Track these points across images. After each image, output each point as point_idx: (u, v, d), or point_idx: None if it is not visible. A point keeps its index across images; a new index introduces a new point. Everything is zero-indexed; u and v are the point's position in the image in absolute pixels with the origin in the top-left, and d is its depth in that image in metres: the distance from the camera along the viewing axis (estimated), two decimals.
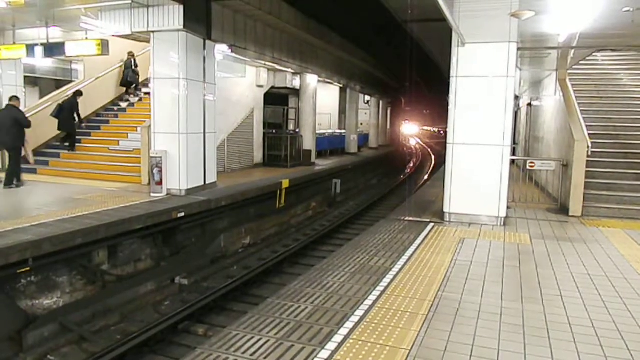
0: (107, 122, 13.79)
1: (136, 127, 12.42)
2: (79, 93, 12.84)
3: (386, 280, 5.17)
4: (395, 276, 5.32)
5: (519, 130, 17.65)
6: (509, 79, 7.77)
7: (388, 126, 33.69)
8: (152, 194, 9.55)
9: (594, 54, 12.03)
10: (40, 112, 12.78)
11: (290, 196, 12.94)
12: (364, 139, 26.93)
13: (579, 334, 3.97)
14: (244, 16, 11.49)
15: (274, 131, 17.56)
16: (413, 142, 46.06)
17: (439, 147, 42.18)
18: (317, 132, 18.58)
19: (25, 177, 11.35)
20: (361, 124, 26.43)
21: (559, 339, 3.87)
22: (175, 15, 9.29)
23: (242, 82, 14.78)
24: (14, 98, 10.30)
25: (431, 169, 29.83)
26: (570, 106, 9.74)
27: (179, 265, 8.65)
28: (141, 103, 14.45)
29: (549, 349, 3.69)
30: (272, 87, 17.07)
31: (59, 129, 12.45)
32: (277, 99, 19.79)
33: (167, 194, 9.68)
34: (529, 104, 16.09)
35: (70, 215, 7.49)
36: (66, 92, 13.65)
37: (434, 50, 13.55)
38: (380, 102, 29.27)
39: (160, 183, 9.64)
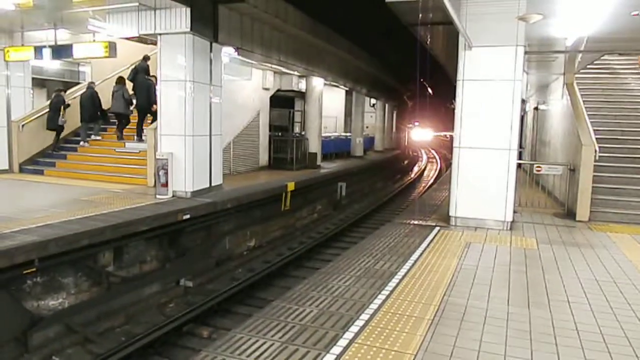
0: (114, 123, 13.82)
1: (143, 129, 12.45)
2: (147, 57, 13.07)
3: (392, 284, 5.14)
4: (400, 280, 5.29)
5: (525, 134, 17.58)
6: (516, 82, 7.74)
7: (394, 129, 33.65)
8: (157, 196, 9.56)
9: (601, 58, 11.96)
10: (45, 114, 12.85)
11: (295, 199, 12.93)
12: (369, 142, 26.90)
13: (587, 340, 3.93)
14: (250, 19, 11.51)
15: (279, 134, 17.57)
16: (420, 150, 45.47)
17: (444, 150, 42.08)
18: (323, 135, 18.56)
19: (31, 178, 11.45)
20: (367, 127, 26.39)
21: (566, 345, 3.83)
22: (182, 18, 9.31)
23: (248, 84, 14.79)
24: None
25: (437, 172, 29.79)
26: (578, 110, 9.69)
27: (184, 267, 8.65)
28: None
29: (556, 355, 3.65)
30: (278, 90, 17.07)
31: (133, 90, 12.63)
32: (283, 102, 19.80)
33: (173, 196, 9.69)
34: (536, 108, 16.03)
35: (76, 217, 7.50)
36: (74, 93, 13.70)
37: (442, 53, 13.51)
38: (386, 106, 29.25)
39: (165, 185, 9.65)
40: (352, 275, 5.45)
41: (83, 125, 13.05)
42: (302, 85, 17.70)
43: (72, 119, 13.08)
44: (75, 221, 7.22)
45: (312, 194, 14.49)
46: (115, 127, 13.03)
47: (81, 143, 13.01)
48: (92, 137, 13.15)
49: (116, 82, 12.66)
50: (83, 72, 17.45)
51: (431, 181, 24.59)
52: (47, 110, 12.78)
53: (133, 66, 13.04)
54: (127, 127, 12.89)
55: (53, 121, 12.65)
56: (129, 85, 12.69)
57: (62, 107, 12.66)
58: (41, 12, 9.87)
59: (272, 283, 8.61)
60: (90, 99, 12.84)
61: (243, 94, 14.55)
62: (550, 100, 13.59)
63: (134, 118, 12.75)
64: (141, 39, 11.86)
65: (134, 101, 12.52)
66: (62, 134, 13.18)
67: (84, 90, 13.13)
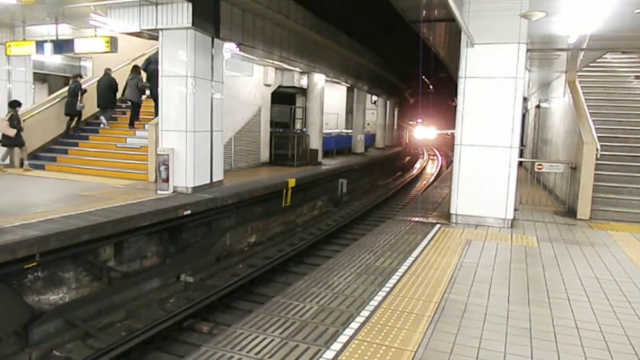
0: (115, 119, 13.84)
1: (143, 124, 12.46)
2: None
3: (392, 281, 5.15)
4: (401, 277, 5.30)
5: (526, 132, 17.56)
6: (518, 80, 7.72)
7: (395, 126, 33.62)
8: (158, 191, 9.57)
9: (603, 56, 11.92)
10: (48, 108, 12.85)
11: (296, 195, 12.94)
12: (370, 139, 26.87)
13: (587, 338, 3.94)
14: (252, 15, 11.48)
15: (281, 130, 17.53)
16: (422, 148, 44.02)
17: (446, 148, 41.95)
18: (324, 131, 18.55)
19: (32, 173, 11.45)
20: (368, 124, 26.36)
21: (566, 343, 3.84)
22: (183, 13, 9.29)
23: (249, 80, 14.77)
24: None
25: (438, 168, 29.78)
26: (580, 108, 9.67)
27: (184, 262, 8.67)
28: (148, 101, 14.46)
29: (556, 353, 3.66)
30: (280, 86, 17.03)
31: (147, 80, 12.85)
32: (284, 98, 19.75)
33: (174, 192, 9.69)
34: (538, 106, 16.00)
35: (77, 212, 7.51)
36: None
37: (443, 51, 13.50)
38: (388, 103, 29.19)
39: (166, 180, 9.65)
40: (352, 272, 5.45)
41: (101, 111, 13.42)
42: (304, 82, 17.66)
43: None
44: (76, 216, 7.23)
45: (313, 190, 14.50)
46: (125, 116, 13.39)
47: (101, 125, 13.33)
48: (102, 126, 13.37)
49: (131, 71, 12.88)
50: (84, 67, 17.44)
51: (432, 179, 24.60)
52: (65, 96, 13.10)
53: (147, 56, 13.32)
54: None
55: (71, 107, 12.98)
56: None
57: (79, 93, 12.99)
58: (43, 6, 9.87)
59: (272, 279, 8.62)
60: (108, 86, 13.14)
61: (244, 90, 14.53)
62: (552, 98, 13.57)
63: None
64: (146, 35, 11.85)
65: (147, 90, 12.80)
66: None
67: (101, 76, 13.37)
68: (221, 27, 10.25)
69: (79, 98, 13.00)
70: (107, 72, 13.30)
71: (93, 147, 12.64)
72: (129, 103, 13.20)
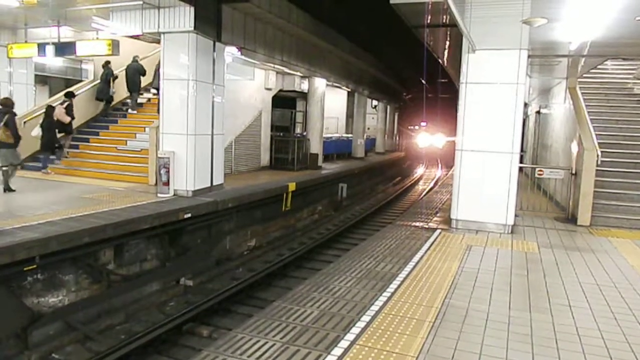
0: (116, 122, 13.85)
1: (144, 127, 12.46)
2: None
3: (393, 286, 5.14)
4: (402, 282, 5.29)
5: (527, 137, 17.57)
6: (519, 86, 7.73)
7: (395, 131, 33.61)
8: (159, 195, 9.56)
9: (604, 63, 11.94)
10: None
11: (296, 199, 12.93)
12: (370, 143, 26.88)
13: (588, 344, 3.93)
14: (254, 19, 11.51)
15: (281, 134, 17.54)
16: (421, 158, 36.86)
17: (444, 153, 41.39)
18: (325, 135, 18.56)
19: (33, 175, 11.45)
20: (368, 128, 26.37)
21: (567, 349, 3.83)
22: (185, 17, 9.31)
23: (250, 84, 14.79)
24: None
25: (437, 175, 29.78)
26: (580, 115, 9.68)
27: (184, 266, 8.65)
28: (149, 104, 14.49)
29: None
30: (280, 90, 17.06)
31: None
32: (285, 102, 19.77)
33: (174, 195, 9.68)
34: (538, 112, 16.02)
35: (78, 214, 7.50)
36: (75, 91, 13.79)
37: (445, 56, 13.51)
38: (388, 107, 29.22)
39: (167, 183, 9.64)
40: (353, 277, 5.44)
41: (130, 95, 14.27)
42: (305, 86, 17.68)
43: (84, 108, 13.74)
44: (76, 219, 7.22)
45: (313, 194, 14.49)
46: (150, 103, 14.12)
47: (129, 110, 14.20)
48: (130, 111, 14.14)
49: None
50: (85, 69, 17.45)
51: (431, 183, 24.62)
52: (97, 81, 14.03)
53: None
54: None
55: (103, 92, 13.86)
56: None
57: (111, 80, 13.93)
58: (45, 9, 9.90)
59: (272, 283, 8.60)
60: (136, 72, 13.86)
61: (245, 94, 14.55)
62: (552, 104, 13.59)
63: None
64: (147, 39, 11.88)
65: None
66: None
67: (130, 62, 13.94)
68: (223, 31, 10.28)
69: (111, 84, 13.80)
70: (135, 59, 13.88)
71: (94, 149, 12.64)
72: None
